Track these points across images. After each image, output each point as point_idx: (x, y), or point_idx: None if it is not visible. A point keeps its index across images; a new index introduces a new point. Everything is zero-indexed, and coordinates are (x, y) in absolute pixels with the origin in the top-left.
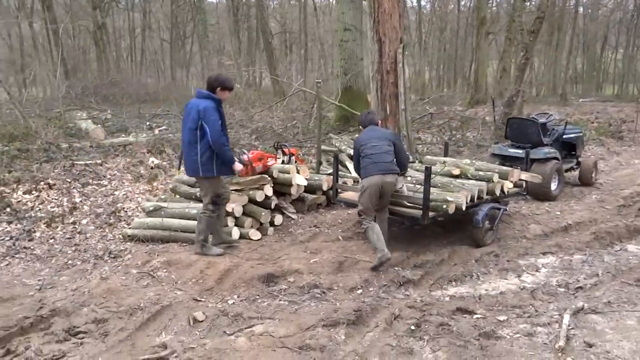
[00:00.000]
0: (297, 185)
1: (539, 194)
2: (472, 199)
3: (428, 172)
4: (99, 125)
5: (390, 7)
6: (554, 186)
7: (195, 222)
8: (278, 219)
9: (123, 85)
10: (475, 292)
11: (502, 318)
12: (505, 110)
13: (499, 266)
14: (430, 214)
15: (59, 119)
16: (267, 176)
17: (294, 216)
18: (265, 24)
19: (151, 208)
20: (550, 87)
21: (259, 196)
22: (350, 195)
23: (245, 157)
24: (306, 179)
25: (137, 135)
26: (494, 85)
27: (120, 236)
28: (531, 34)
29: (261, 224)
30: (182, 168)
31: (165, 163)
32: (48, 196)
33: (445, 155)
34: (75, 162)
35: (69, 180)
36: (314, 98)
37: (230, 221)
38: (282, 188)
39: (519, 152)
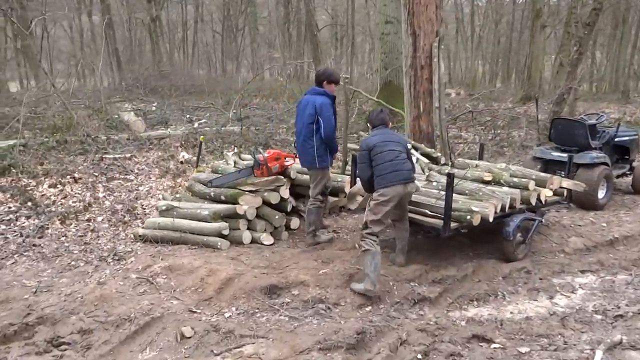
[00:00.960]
0: None
1: (585, 202)
2: (502, 209)
3: (450, 178)
4: (140, 118)
5: None
6: (601, 194)
7: (205, 224)
8: (294, 222)
9: (172, 77)
10: (498, 316)
11: (523, 350)
12: (554, 109)
13: (529, 285)
14: (453, 224)
15: (100, 111)
16: (283, 177)
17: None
18: (311, 16)
19: (164, 207)
20: (612, 84)
21: (274, 198)
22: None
23: (260, 156)
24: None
25: (175, 128)
26: (551, 81)
27: (132, 236)
28: (586, 26)
29: (275, 228)
30: (201, 166)
31: (195, 158)
32: (72, 190)
33: (480, 157)
34: (104, 156)
35: (96, 174)
36: (353, 93)
37: (242, 224)
38: (301, 190)
39: (563, 156)
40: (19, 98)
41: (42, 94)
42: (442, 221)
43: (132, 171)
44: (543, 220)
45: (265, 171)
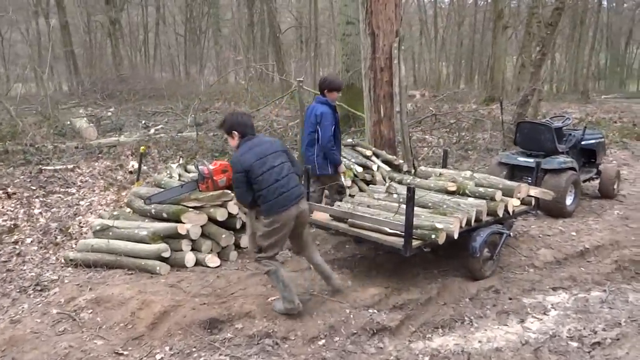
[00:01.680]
0: None
1: (552, 209)
2: (468, 223)
3: (410, 193)
4: (92, 124)
5: None
6: (569, 201)
7: (143, 246)
8: (244, 240)
9: (131, 81)
10: (465, 346)
11: None
12: (518, 111)
13: (498, 307)
14: (415, 243)
15: (49, 118)
16: (229, 192)
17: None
18: (273, 17)
19: (98, 227)
20: (571, 84)
21: (221, 215)
22: (324, 217)
23: (204, 169)
24: None
25: (130, 135)
26: (513, 82)
27: (63, 260)
28: (549, 27)
29: (223, 247)
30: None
31: (146, 167)
32: (2, 207)
33: (444, 164)
34: (44, 167)
35: (34, 188)
36: (314, 96)
37: (185, 245)
38: None
39: (530, 161)
40: None
41: None
42: (402, 239)
43: (74, 184)
44: (511, 234)
45: (211, 185)
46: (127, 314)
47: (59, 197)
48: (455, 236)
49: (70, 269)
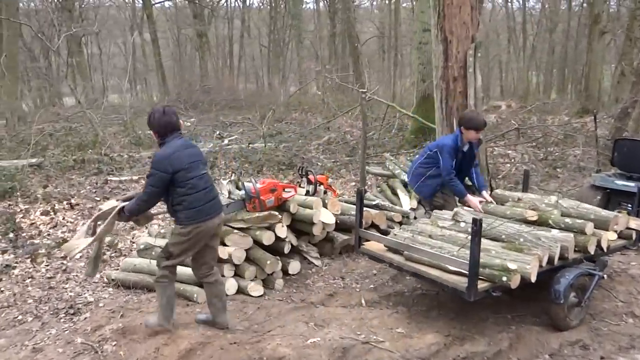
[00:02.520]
0: (323, 223)
1: None
2: (550, 261)
3: (477, 226)
4: None
5: None
6: None
7: (183, 269)
8: (294, 266)
9: (215, 92)
10: None
11: None
12: (617, 125)
13: None
14: (482, 285)
15: (127, 128)
16: (277, 213)
17: (317, 262)
18: (351, 27)
19: (142, 246)
20: None
21: (267, 238)
22: (378, 247)
23: (251, 187)
24: (336, 214)
25: (203, 145)
26: (611, 92)
27: (106, 279)
28: None
29: (268, 274)
30: None
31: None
32: (64, 218)
33: (524, 187)
34: (110, 179)
35: (98, 199)
36: (387, 107)
37: (227, 270)
38: (304, 226)
39: (630, 186)
40: (63, 114)
41: (73, 111)
42: (466, 280)
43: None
44: (604, 274)
45: (258, 205)
46: (151, 350)
47: None
48: (533, 279)
49: (110, 289)
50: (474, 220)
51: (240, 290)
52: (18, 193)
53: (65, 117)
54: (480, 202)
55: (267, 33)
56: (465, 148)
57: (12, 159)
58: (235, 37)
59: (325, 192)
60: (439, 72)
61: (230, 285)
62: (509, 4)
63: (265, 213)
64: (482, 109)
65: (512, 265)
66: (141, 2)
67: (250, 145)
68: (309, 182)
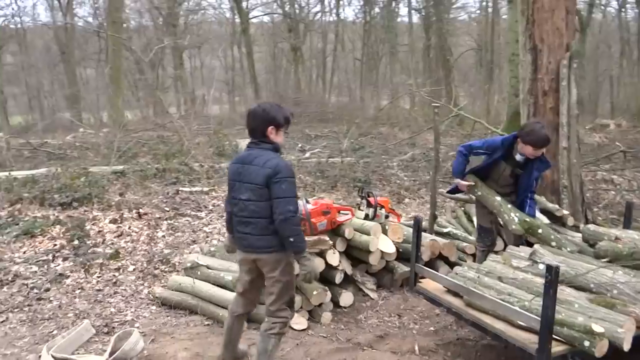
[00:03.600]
0: (381, 251)
1: None
2: None
3: (552, 276)
4: None
5: (550, 0)
6: None
7: (225, 293)
8: (346, 298)
9: (305, 104)
10: None
11: None
12: None
13: None
14: (557, 348)
15: (213, 138)
16: (327, 239)
17: (373, 295)
18: (444, 40)
19: (189, 264)
20: None
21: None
22: (435, 287)
23: (301, 208)
24: (396, 242)
25: (284, 158)
26: None
27: (152, 295)
28: None
29: (316, 305)
30: None
31: None
32: (129, 228)
33: (627, 223)
34: (180, 189)
35: (167, 209)
36: (474, 124)
37: None
38: (361, 254)
39: None
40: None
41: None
42: (537, 339)
43: (205, 207)
44: None
45: (308, 228)
46: None
47: (187, 220)
48: (626, 347)
49: (153, 307)
50: (549, 268)
51: None
52: (94, 199)
53: (162, 127)
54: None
55: (360, 46)
56: (519, 158)
57: (103, 166)
58: (328, 51)
59: (386, 217)
60: (527, 85)
61: None
62: (622, 13)
63: (315, 237)
64: (576, 127)
65: (597, 328)
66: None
67: (329, 159)
68: (369, 204)
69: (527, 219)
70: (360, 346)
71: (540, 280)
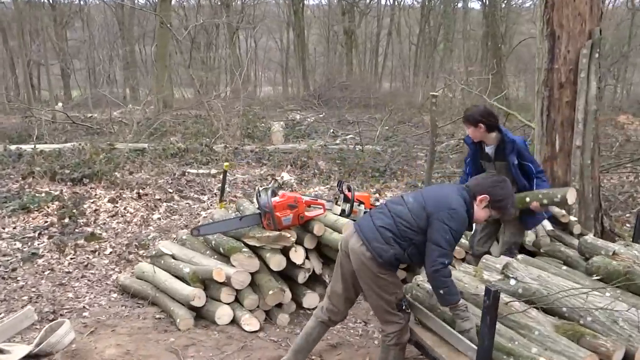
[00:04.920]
0: None
1: None
2: None
3: (490, 301)
4: (281, 129)
5: None
6: None
7: (179, 287)
8: (310, 299)
9: (352, 89)
10: None
11: None
12: None
13: None
14: None
15: (247, 117)
16: (288, 235)
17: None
18: (496, 27)
19: (154, 252)
20: None
21: (275, 263)
22: (429, 337)
23: (265, 200)
24: None
25: (314, 142)
26: None
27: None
28: None
29: (275, 306)
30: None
31: (294, 181)
32: (125, 208)
33: (637, 236)
34: (187, 171)
35: (171, 191)
36: (507, 115)
37: (225, 295)
38: (333, 253)
39: None
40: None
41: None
42: None
43: (210, 190)
44: None
45: (271, 222)
46: None
47: (188, 203)
48: None
49: (114, 295)
50: (487, 291)
51: (236, 321)
52: (103, 177)
53: (198, 106)
54: None
55: (416, 32)
56: (487, 149)
57: (132, 143)
58: (382, 35)
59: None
60: (542, 75)
61: (221, 315)
62: None
63: (276, 233)
64: (593, 124)
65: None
66: None
67: (357, 146)
68: (346, 199)
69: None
70: (311, 356)
71: (509, 299)
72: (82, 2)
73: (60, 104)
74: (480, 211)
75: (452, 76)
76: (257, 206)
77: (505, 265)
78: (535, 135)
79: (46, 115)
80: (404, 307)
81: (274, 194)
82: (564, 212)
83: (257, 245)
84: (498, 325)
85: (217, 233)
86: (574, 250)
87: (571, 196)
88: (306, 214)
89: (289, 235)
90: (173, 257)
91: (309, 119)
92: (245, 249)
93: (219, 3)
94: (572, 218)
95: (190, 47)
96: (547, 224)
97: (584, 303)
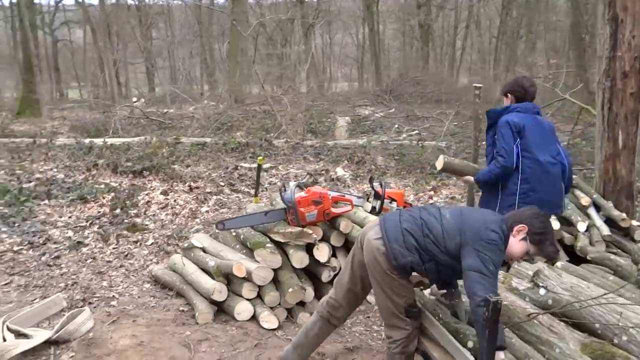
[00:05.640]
0: None
1: None
2: None
3: (489, 312)
4: (346, 124)
5: None
6: None
7: (203, 280)
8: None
9: (424, 84)
10: None
11: None
12: None
13: None
14: None
15: (311, 113)
16: (311, 232)
17: (369, 298)
18: (580, 15)
19: (186, 245)
20: None
21: (297, 260)
22: (436, 349)
23: (289, 194)
24: None
25: (376, 138)
26: None
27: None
28: None
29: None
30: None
31: (348, 177)
32: (175, 201)
33: None
34: (240, 165)
35: (222, 185)
36: (580, 110)
37: (247, 290)
38: None
39: None
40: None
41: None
42: None
43: (261, 185)
44: None
45: (295, 217)
46: None
47: (237, 197)
48: None
49: (147, 285)
50: (486, 302)
51: (256, 318)
52: (160, 170)
53: (263, 103)
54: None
55: (496, 24)
56: None
57: (197, 137)
58: (460, 28)
59: None
60: (603, 64)
61: (241, 310)
62: None
63: (298, 229)
64: None
65: None
66: None
67: (419, 142)
68: (377, 196)
69: None
70: (323, 357)
71: (534, 310)
72: (164, 3)
73: (141, 100)
74: (517, 244)
75: (532, 69)
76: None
77: (535, 273)
78: (596, 131)
79: (124, 111)
80: (413, 313)
81: (301, 189)
82: (624, 215)
83: (282, 240)
84: (514, 339)
85: (242, 227)
86: (628, 258)
87: (439, 163)
88: (332, 210)
89: (310, 232)
90: (203, 250)
91: (377, 114)
92: (269, 245)
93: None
94: (635, 223)
95: (255, 43)
96: (604, 228)
97: (620, 319)
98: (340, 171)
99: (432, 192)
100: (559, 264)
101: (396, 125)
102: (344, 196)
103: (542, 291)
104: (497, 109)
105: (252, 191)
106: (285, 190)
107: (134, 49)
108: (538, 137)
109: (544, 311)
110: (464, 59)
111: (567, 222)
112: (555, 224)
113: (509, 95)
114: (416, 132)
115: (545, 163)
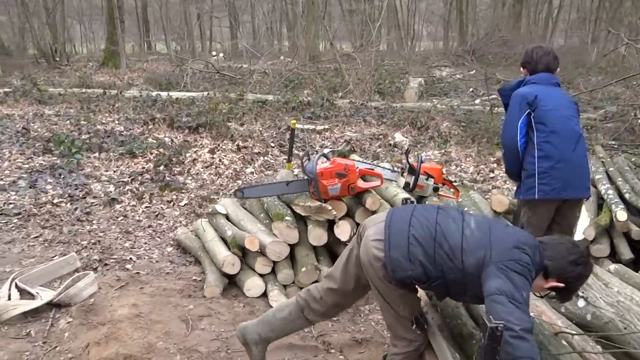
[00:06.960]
0: None
1: None
2: None
3: (494, 339)
4: (417, 85)
5: None
6: None
7: (218, 250)
8: None
9: (511, 45)
10: None
11: None
12: None
13: None
14: None
15: (379, 72)
16: (330, 208)
17: None
18: None
19: (210, 210)
20: None
21: (314, 237)
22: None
23: (310, 165)
24: None
25: (449, 102)
26: None
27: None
28: None
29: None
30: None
31: (407, 143)
32: (220, 161)
33: None
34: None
35: (272, 145)
36: None
37: (260, 265)
38: None
39: None
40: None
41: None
42: None
43: (312, 147)
44: None
45: (316, 190)
46: (84, 344)
47: (285, 159)
48: None
49: (169, 249)
50: (483, 327)
51: (266, 295)
52: (214, 127)
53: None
54: None
55: None
56: None
57: (263, 94)
58: None
59: (436, 190)
60: None
61: (254, 286)
62: None
63: (317, 204)
64: None
65: None
66: None
67: (491, 109)
68: (411, 170)
69: None
70: (329, 348)
71: (563, 325)
72: None
73: (221, 55)
74: (540, 286)
75: (634, 32)
76: None
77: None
78: None
79: (198, 65)
80: (421, 324)
81: (327, 158)
82: None
83: (303, 214)
84: None
85: (262, 197)
86: None
87: None
88: (359, 184)
89: (330, 208)
90: (227, 217)
91: (455, 76)
92: (288, 217)
93: None
94: None
95: None
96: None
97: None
98: (398, 136)
99: (494, 165)
100: (612, 267)
101: (471, 89)
102: (373, 170)
103: (580, 302)
104: (508, 87)
105: (301, 153)
106: (308, 159)
107: (219, 2)
108: (555, 108)
109: (576, 332)
110: (560, 19)
111: (637, 211)
112: (622, 215)
113: (522, 68)
114: (493, 96)
115: (567, 138)
